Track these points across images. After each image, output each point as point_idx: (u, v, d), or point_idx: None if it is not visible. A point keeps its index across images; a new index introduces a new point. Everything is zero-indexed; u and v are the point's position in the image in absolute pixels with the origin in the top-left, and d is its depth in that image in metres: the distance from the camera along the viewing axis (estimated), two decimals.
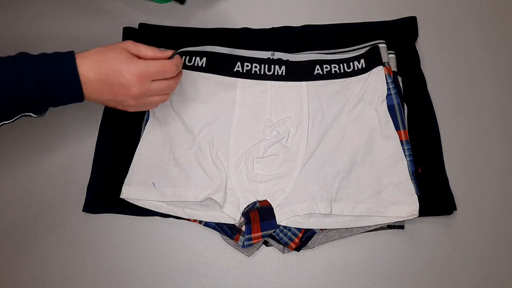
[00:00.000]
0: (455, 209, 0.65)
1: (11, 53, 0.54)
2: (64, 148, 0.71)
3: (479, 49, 0.74)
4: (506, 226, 0.65)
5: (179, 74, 0.61)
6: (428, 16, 0.75)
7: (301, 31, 0.74)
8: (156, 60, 0.57)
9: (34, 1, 0.78)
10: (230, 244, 0.65)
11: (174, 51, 0.62)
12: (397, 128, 0.65)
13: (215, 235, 0.66)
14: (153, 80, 0.56)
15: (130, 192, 0.65)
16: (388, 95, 0.66)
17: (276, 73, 0.68)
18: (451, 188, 0.66)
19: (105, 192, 0.67)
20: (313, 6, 0.77)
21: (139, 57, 0.56)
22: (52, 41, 0.76)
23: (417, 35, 0.73)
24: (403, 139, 0.65)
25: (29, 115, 0.55)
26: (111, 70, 0.54)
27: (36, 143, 0.71)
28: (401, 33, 0.72)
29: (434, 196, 0.65)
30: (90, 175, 0.69)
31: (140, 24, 0.75)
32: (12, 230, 0.68)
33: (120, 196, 0.65)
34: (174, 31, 0.75)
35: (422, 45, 0.73)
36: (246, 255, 0.65)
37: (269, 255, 0.65)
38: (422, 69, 0.71)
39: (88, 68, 0.53)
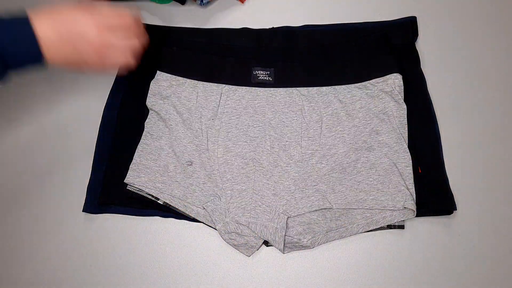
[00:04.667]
0: (455, 209, 0.65)
1: None
2: (64, 148, 0.71)
3: (479, 49, 0.74)
4: (506, 226, 0.65)
5: (143, 34, 0.61)
6: (428, 16, 0.75)
7: (301, 32, 0.74)
8: (116, 12, 0.57)
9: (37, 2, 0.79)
10: (230, 244, 0.65)
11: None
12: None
13: (215, 235, 0.66)
14: (114, 33, 0.56)
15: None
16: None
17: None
18: (451, 188, 0.66)
19: (105, 192, 0.68)
20: (313, 6, 0.77)
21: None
22: None
23: (417, 35, 0.73)
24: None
25: None
26: (68, 21, 0.53)
27: (36, 143, 0.71)
28: (401, 33, 0.72)
29: (434, 196, 0.65)
30: (90, 175, 0.69)
31: None
32: (13, 230, 0.68)
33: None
34: (174, 31, 0.75)
35: (422, 45, 0.74)
36: (246, 255, 0.65)
37: (269, 255, 0.65)
38: (422, 69, 0.71)
39: (47, 27, 0.53)
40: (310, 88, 0.68)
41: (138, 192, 0.66)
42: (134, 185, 0.66)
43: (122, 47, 0.58)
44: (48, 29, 0.52)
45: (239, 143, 0.67)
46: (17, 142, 0.72)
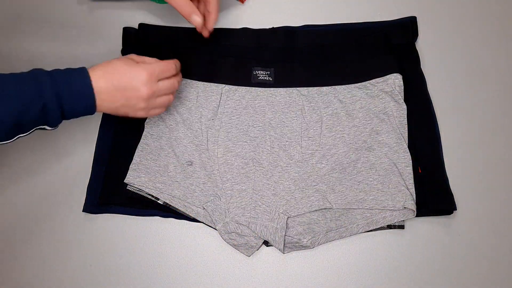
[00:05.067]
0: (455, 209, 0.64)
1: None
2: (64, 148, 0.71)
3: (479, 49, 0.74)
4: (506, 226, 0.65)
5: (179, 73, 0.65)
6: (428, 16, 0.75)
7: (301, 32, 0.74)
8: (159, 62, 0.61)
9: (37, 1, 0.79)
10: (230, 244, 0.65)
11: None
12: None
13: (215, 235, 0.66)
14: (159, 80, 0.60)
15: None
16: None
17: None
18: (451, 188, 0.66)
19: (105, 192, 0.67)
20: (313, 6, 0.77)
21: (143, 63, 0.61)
22: (53, 41, 0.76)
23: (417, 35, 0.73)
24: None
25: (44, 128, 0.57)
26: (121, 75, 0.57)
27: (36, 143, 0.71)
28: (401, 33, 0.72)
29: (434, 196, 0.64)
30: (90, 175, 0.69)
31: (140, 24, 0.75)
32: (13, 230, 0.68)
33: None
34: (174, 31, 0.75)
35: (422, 45, 0.73)
36: (246, 255, 0.65)
37: (269, 255, 0.65)
38: (422, 69, 0.71)
39: (99, 78, 0.56)
40: (310, 88, 0.68)
41: (138, 192, 0.66)
42: (134, 185, 0.66)
43: (167, 90, 0.62)
44: (102, 81, 0.56)
45: (239, 143, 0.67)
46: (16, 142, 0.72)
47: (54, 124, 0.56)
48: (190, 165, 0.66)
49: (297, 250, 0.65)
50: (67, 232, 0.67)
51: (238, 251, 0.65)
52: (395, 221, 0.63)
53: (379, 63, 0.68)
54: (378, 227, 0.64)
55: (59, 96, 0.54)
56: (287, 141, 0.66)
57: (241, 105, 0.68)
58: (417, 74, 0.71)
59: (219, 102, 0.68)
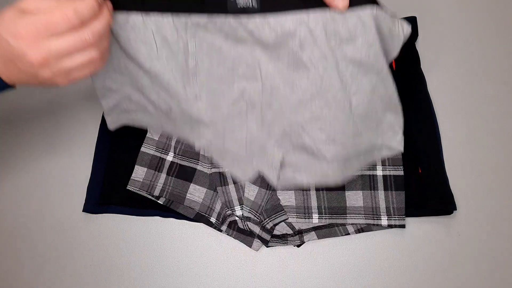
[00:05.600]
0: (455, 209, 0.65)
1: None
2: (64, 148, 0.71)
3: (479, 49, 0.74)
4: (506, 226, 0.65)
5: (99, 19, 0.45)
6: (428, 16, 0.75)
7: None
8: (48, 10, 0.43)
9: None
10: (232, 236, 0.65)
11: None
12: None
13: (215, 235, 0.66)
14: (49, 37, 0.43)
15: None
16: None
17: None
18: (451, 188, 0.66)
19: (105, 192, 0.68)
20: None
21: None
22: None
23: (417, 35, 0.73)
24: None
25: None
26: (2, 43, 0.43)
27: (36, 143, 0.71)
28: None
29: (434, 196, 0.65)
30: (90, 175, 0.69)
31: None
32: (13, 230, 0.68)
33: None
34: None
35: (422, 45, 0.74)
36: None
37: (269, 255, 0.65)
38: (422, 69, 0.71)
39: None
40: (312, 15, 0.50)
41: (138, 192, 0.66)
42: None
43: (72, 49, 0.44)
44: None
45: (224, 84, 0.56)
46: (16, 142, 0.72)
47: None
48: (170, 111, 0.59)
49: (292, 190, 0.65)
50: (67, 232, 0.67)
51: (239, 250, 0.65)
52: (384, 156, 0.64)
53: None
54: (375, 222, 0.64)
55: None
56: (280, 83, 0.56)
57: (215, 48, 0.54)
58: (417, 74, 0.71)
59: (187, 42, 0.54)
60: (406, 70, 0.70)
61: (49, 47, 0.43)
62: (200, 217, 0.66)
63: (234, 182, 0.66)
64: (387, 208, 0.64)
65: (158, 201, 0.66)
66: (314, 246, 0.65)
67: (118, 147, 0.69)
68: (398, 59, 0.70)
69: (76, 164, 0.70)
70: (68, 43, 0.43)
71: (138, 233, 0.67)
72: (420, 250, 0.64)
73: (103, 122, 0.71)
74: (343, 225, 0.65)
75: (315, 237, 0.65)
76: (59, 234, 0.67)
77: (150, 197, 0.66)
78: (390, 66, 0.70)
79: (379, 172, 0.66)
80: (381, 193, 0.65)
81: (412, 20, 0.73)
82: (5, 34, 0.42)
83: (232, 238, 0.66)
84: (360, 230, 0.65)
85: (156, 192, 0.66)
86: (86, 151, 0.70)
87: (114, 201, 0.67)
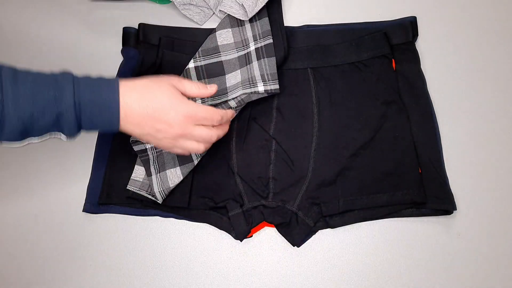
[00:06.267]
0: (455, 209, 0.65)
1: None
2: (64, 148, 0.71)
3: (479, 49, 0.74)
4: (506, 226, 0.65)
5: (223, 127, 0.61)
6: (428, 16, 0.75)
7: (301, 32, 0.73)
8: (206, 107, 0.57)
9: (36, 1, 0.79)
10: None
11: (217, 86, 0.60)
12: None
13: (215, 235, 0.66)
14: (196, 125, 0.56)
15: None
16: None
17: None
18: (451, 188, 0.66)
19: (105, 192, 0.67)
20: (313, 6, 0.77)
21: (184, 94, 0.56)
22: (53, 42, 0.76)
23: (417, 35, 0.73)
24: None
25: (59, 138, 0.53)
26: (159, 106, 0.53)
27: (36, 143, 0.71)
28: (401, 33, 0.72)
29: (434, 196, 0.64)
30: (90, 175, 0.69)
31: (140, 24, 0.75)
32: (13, 230, 0.68)
33: None
34: (174, 31, 0.74)
35: (422, 45, 0.73)
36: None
37: (269, 256, 0.65)
38: (422, 69, 0.71)
39: (134, 100, 0.52)
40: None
41: (138, 192, 0.66)
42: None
43: (200, 138, 0.57)
44: (136, 104, 0.52)
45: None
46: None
47: (71, 134, 0.52)
48: None
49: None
50: (67, 232, 0.67)
51: (239, 251, 0.65)
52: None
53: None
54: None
55: (78, 106, 0.50)
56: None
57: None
58: (417, 74, 0.70)
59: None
60: (406, 70, 0.70)
61: (192, 130, 0.56)
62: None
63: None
64: (262, 76, 0.66)
65: (158, 201, 0.66)
66: (314, 246, 0.65)
67: (118, 148, 0.69)
68: (398, 59, 0.70)
69: (76, 164, 0.70)
70: (203, 134, 0.57)
71: (138, 233, 0.67)
72: (420, 250, 0.64)
73: None
74: (226, 102, 0.66)
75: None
76: (59, 234, 0.67)
77: (150, 197, 0.66)
78: (390, 66, 0.70)
79: (252, 47, 0.69)
80: (255, 64, 0.67)
81: (412, 20, 0.73)
82: (171, 104, 0.54)
83: (232, 238, 0.65)
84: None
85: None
86: (86, 151, 0.70)
87: (114, 201, 0.67)
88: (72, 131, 0.52)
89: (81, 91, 0.50)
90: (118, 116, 0.52)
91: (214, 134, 0.58)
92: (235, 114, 0.66)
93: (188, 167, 0.65)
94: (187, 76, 0.68)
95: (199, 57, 0.69)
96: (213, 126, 0.58)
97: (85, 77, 0.52)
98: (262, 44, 0.68)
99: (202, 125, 0.57)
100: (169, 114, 0.54)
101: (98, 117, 0.51)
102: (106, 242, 0.67)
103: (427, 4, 0.77)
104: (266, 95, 0.67)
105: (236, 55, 0.69)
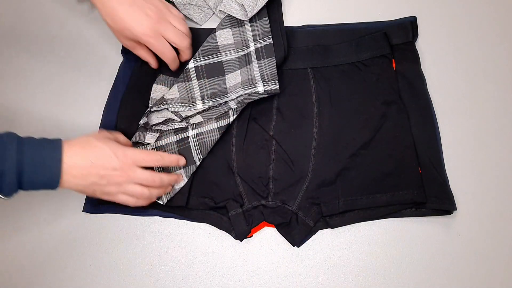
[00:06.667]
0: (455, 209, 0.65)
1: None
2: None
3: (479, 49, 0.74)
4: (506, 226, 0.65)
5: (171, 178, 0.63)
6: (428, 16, 0.75)
7: (301, 32, 0.73)
8: (145, 150, 0.62)
9: (37, 0, 0.79)
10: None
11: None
12: None
13: (215, 235, 0.66)
14: (139, 167, 0.59)
15: None
16: None
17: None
18: (451, 188, 0.66)
19: None
20: (313, 6, 0.77)
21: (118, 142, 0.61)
22: (53, 42, 0.76)
23: (417, 35, 0.73)
24: None
25: None
26: (101, 153, 0.56)
27: None
28: (401, 33, 0.72)
29: (434, 196, 0.64)
30: None
31: None
32: (12, 230, 0.68)
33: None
34: None
35: (422, 45, 0.73)
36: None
37: (269, 256, 0.65)
38: (422, 69, 0.71)
39: (77, 153, 0.55)
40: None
41: None
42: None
43: (144, 181, 0.59)
44: (78, 158, 0.55)
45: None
46: None
47: (7, 193, 0.52)
48: None
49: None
50: (67, 232, 0.67)
51: (238, 251, 0.65)
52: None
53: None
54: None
55: (20, 165, 0.51)
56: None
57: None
58: (417, 74, 0.71)
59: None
60: (406, 70, 0.70)
61: (135, 173, 0.58)
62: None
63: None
64: (262, 76, 0.66)
65: (158, 201, 0.66)
66: (314, 246, 0.65)
67: None
68: (398, 59, 0.70)
69: None
70: (147, 176, 0.59)
71: (138, 233, 0.67)
72: (420, 250, 0.64)
73: (103, 123, 0.71)
74: (226, 102, 0.67)
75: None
76: (59, 234, 0.67)
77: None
78: (390, 66, 0.70)
79: (252, 47, 0.69)
80: (255, 64, 0.67)
81: (412, 20, 0.73)
82: (113, 149, 0.57)
83: (232, 238, 0.65)
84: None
85: None
86: None
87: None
88: (10, 190, 0.52)
89: (24, 149, 0.52)
90: (59, 172, 0.53)
91: (157, 179, 0.60)
92: (183, 160, 0.65)
93: (191, 169, 0.65)
94: (187, 76, 0.68)
95: (199, 57, 0.69)
96: (158, 169, 0.63)
97: (28, 138, 0.54)
98: (262, 44, 0.68)
99: (145, 168, 0.59)
100: (111, 159, 0.56)
101: (37, 175, 0.52)
102: (106, 242, 0.67)
103: (427, 4, 0.77)
104: (266, 95, 0.67)
105: (236, 55, 0.69)
